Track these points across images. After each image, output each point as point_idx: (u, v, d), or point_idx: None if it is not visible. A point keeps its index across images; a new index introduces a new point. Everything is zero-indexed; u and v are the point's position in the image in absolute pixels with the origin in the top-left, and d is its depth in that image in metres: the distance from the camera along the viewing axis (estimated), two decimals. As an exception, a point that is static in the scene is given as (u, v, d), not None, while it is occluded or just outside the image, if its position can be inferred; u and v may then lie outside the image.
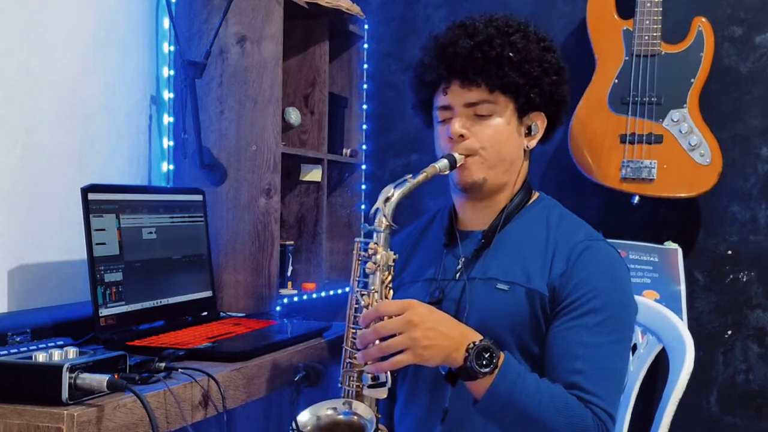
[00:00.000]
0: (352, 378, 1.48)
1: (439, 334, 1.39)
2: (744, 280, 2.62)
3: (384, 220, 1.48)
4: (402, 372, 1.66)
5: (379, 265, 1.47)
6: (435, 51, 1.63)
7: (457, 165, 1.58)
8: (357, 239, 1.53)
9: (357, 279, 1.51)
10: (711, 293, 2.65)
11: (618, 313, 1.53)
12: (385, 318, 1.39)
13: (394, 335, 1.38)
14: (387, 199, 1.48)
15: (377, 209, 1.49)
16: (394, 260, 1.50)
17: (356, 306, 1.50)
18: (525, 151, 1.66)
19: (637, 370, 1.87)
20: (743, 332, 2.62)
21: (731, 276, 2.63)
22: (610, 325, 1.51)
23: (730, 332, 2.63)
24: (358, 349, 1.42)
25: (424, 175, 1.53)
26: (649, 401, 2.12)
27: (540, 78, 1.60)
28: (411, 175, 1.52)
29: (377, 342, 1.39)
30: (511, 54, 1.58)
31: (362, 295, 1.48)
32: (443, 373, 1.47)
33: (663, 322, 1.82)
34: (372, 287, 1.47)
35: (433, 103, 1.67)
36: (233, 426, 1.62)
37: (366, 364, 1.41)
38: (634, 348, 1.90)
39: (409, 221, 1.87)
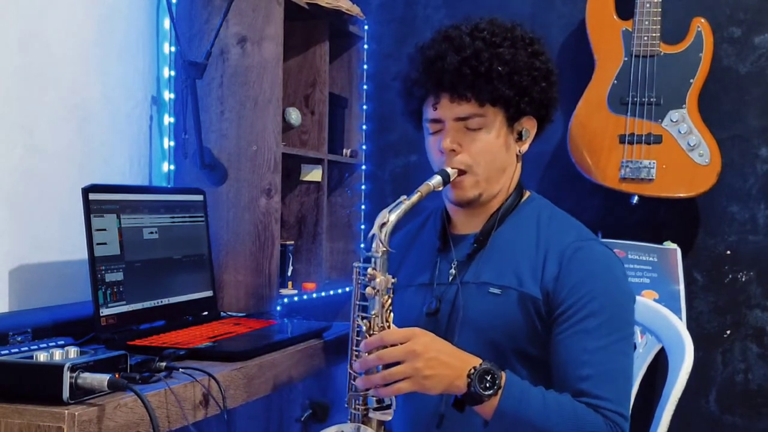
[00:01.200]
0: (357, 401, 1.49)
1: (441, 364, 1.41)
2: (743, 280, 2.62)
3: (381, 245, 1.48)
4: None
5: (378, 290, 1.47)
6: (422, 65, 1.61)
7: (451, 179, 1.58)
8: (355, 264, 1.54)
9: (357, 303, 1.52)
10: (710, 293, 2.65)
11: (617, 313, 1.53)
12: (388, 345, 1.41)
13: (397, 362, 1.40)
14: (383, 225, 1.48)
15: (373, 235, 1.49)
16: (393, 284, 1.50)
17: (358, 329, 1.51)
18: (517, 156, 1.66)
19: (637, 369, 1.88)
20: (742, 332, 2.62)
21: (730, 276, 2.64)
22: (610, 326, 1.51)
23: (729, 332, 2.63)
24: (360, 373, 1.44)
25: (418, 194, 1.52)
26: (648, 400, 2.13)
27: (529, 87, 1.59)
28: (405, 197, 1.51)
29: (380, 368, 1.41)
30: (499, 68, 1.56)
31: (363, 318, 1.49)
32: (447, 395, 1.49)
33: (662, 321, 1.82)
34: (372, 312, 1.48)
35: (423, 113, 1.66)
36: (234, 425, 1.62)
37: (368, 389, 1.43)
38: (634, 348, 1.91)
39: (404, 221, 1.87)
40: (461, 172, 1.59)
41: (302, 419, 1.68)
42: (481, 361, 1.43)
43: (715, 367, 2.64)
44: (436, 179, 1.56)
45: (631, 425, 1.84)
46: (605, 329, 1.50)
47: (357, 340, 1.50)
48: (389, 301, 1.49)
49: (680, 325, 1.79)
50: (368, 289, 1.48)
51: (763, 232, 2.61)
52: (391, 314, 1.49)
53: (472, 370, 1.41)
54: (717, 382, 2.64)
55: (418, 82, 1.62)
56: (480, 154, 1.59)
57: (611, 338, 1.50)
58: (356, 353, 1.49)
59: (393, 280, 1.50)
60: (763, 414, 2.59)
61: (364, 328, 1.48)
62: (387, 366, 1.41)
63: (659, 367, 2.03)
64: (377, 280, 1.47)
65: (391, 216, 1.49)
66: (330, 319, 2.27)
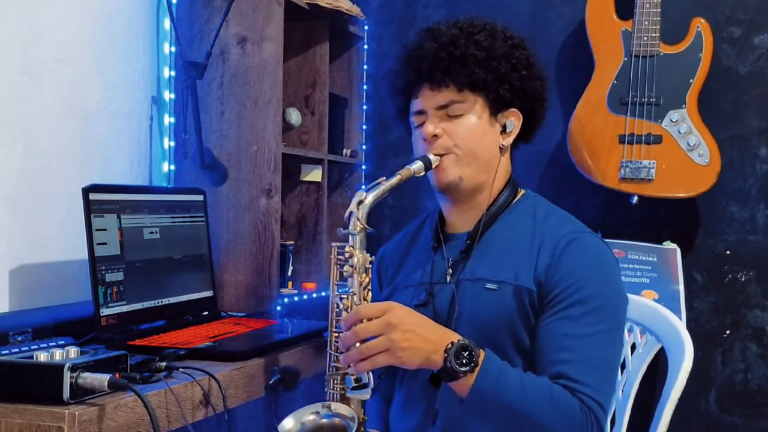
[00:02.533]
0: (336, 381, 1.50)
1: (417, 337, 1.40)
2: (742, 279, 2.62)
3: (358, 223, 1.49)
4: (400, 376, 1.67)
5: (356, 268, 1.48)
6: (404, 58, 1.65)
7: (433, 166, 1.59)
8: (333, 243, 1.54)
9: (336, 283, 1.53)
10: (710, 293, 2.66)
11: (605, 304, 1.52)
12: (365, 320, 1.41)
13: (375, 337, 1.40)
14: (360, 202, 1.49)
15: (351, 213, 1.50)
16: (370, 262, 1.51)
17: (337, 309, 1.51)
18: (501, 149, 1.66)
19: (636, 369, 1.88)
20: (741, 332, 2.62)
21: (730, 276, 2.64)
22: (596, 316, 1.50)
23: (728, 332, 2.63)
24: (342, 352, 1.44)
25: (398, 177, 1.54)
26: (648, 400, 2.13)
27: (508, 74, 1.61)
28: (384, 178, 1.53)
29: (358, 344, 1.40)
30: (475, 52, 1.59)
31: (341, 298, 1.50)
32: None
33: (662, 321, 1.82)
34: (351, 290, 1.49)
35: (410, 109, 1.68)
36: (234, 425, 1.62)
37: (349, 366, 1.43)
38: (634, 347, 1.91)
39: (409, 221, 1.87)
40: (443, 156, 1.61)
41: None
42: (460, 337, 1.43)
43: (715, 367, 2.64)
44: (418, 164, 1.57)
45: (631, 424, 1.85)
46: (591, 318, 1.49)
47: (336, 320, 1.51)
48: (367, 279, 1.50)
49: (680, 325, 1.79)
50: (346, 267, 1.49)
51: (763, 232, 2.61)
52: (369, 293, 1.50)
53: (450, 345, 1.40)
54: (716, 381, 2.64)
55: (400, 74, 1.66)
56: (460, 137, 1.60)
57: (597, 328, 1.49)
58: (336, 333, 1.50)
59: (371, 259, 1.51)
60: (762, 414, 2.60)
61: (342, 306, 1.48)
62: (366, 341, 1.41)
63: (659, 367, 2.03)
64: (355, 258, 1.48)
65: (368, 196, 1.50)
66: (330, 318, 2.27)
